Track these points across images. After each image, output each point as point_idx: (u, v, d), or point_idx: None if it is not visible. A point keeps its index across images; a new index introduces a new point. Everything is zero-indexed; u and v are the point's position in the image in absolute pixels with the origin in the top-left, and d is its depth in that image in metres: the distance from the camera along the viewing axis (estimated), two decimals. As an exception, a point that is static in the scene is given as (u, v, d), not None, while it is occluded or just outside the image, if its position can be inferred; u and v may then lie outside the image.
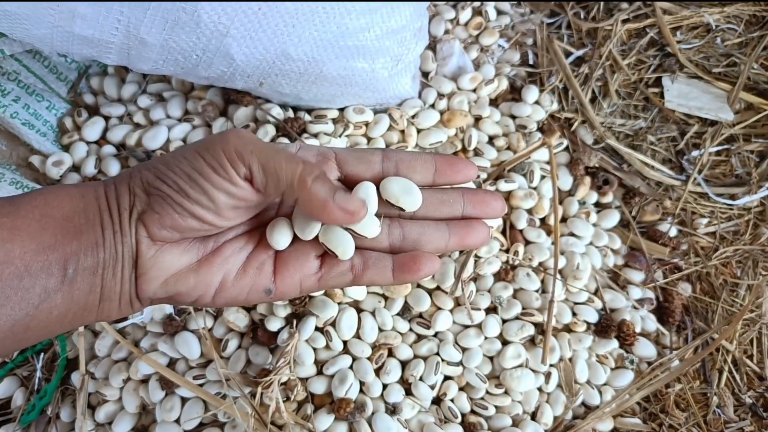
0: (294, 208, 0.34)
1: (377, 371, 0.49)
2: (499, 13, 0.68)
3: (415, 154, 0.36)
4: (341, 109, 0.58)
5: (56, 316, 0.29)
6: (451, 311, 0.51)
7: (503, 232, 0.55)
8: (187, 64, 0.49)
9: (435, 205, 0.35)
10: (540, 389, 0.51)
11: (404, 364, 0.50)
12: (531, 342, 0.52)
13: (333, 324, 0.49)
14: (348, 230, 0.33)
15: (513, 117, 0.61)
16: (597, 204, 0.61)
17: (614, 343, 0.53)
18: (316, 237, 0.33)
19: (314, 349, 0.49)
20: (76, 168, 0.59)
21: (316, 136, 0.55)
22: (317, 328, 0.49)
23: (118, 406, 0.50)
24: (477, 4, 0.66)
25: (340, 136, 0.56)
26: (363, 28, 0.50)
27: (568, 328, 0.53)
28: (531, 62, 0.67)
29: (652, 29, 0.68)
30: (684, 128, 0.64)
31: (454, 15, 0.65)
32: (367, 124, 0.58)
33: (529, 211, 0.56)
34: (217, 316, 0.50)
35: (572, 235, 0.57)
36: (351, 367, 0.49)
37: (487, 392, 0.50)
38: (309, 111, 0.58)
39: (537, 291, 0.53)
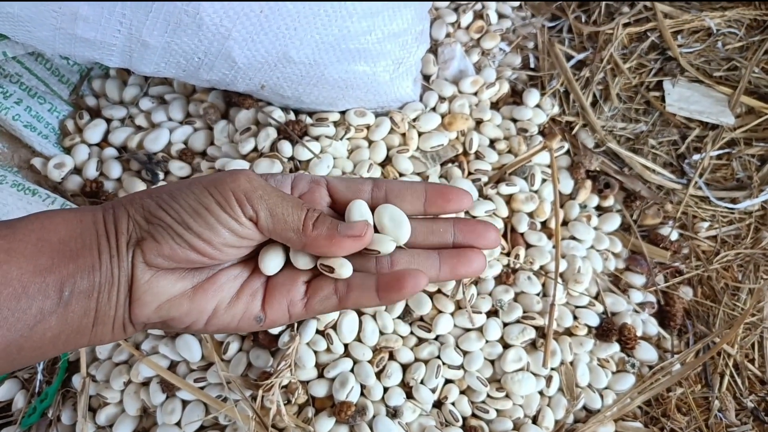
0: None
1: (378, 374, 0.49)
2: (501, 16, 0.68)
3: (406, 184, 0.36)
4: (342, 112, 0.58)
5: (49, 338, 0.29)
6: (452, 314, 0.51)
7: (504, 236, 0.55)
8: (189, 67, 0.49)
9: (424, 234, 0.35)
10: (541, 393, 0.51)
11: (405, 368, 0.50)
12: (532, 345, 0.52)
13: (334, 327, 0.49)
14: None
15: (514, 120, 0.61)
16: (598, 207, 0.61)
17: (615, 347, 0.53)
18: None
19: (315, 352, 0.48)
20: (77, 170, 0.59)
21: (317, 139, 0.55)
22: (318, 331, 0.49)
23: (119, 408, 0.50)
24: (478, 7, 0.66)
25: (341, 139, 0.56)
26: (365, 32, 0.50)
27: (569, 332, 0.53)
28: (532, 66, 0.67)
29: (653, 33, 0.68)
30: (685, 132, 0.64)
31: (455, 18, 0.65)
32: (368, 127, 0.58)
33: (530, 215, 0.56)
34: (218, 319, 0.50)
35: (573, 238, 0.57)
36: (352, 371, 0.49)
37: (488, 396, 0.50)
38: (310, 114, 0.58)
39: (538, 294, 0.53)
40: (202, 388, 0.48)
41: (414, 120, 0.58)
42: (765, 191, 0.61)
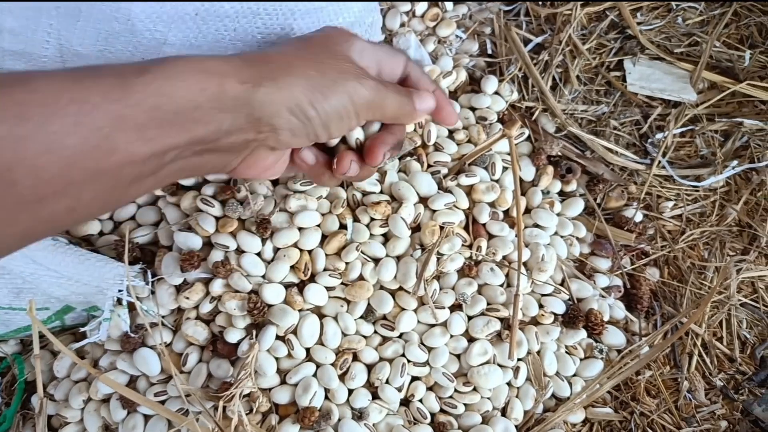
0: None
1: (342, 377, 0.48)
2: (456, 2, 0.66)
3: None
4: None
5: (140, 192, 0.32)
6: (415, 311, 0.50)
7: (466, 228, 0.54)
8: (128, 74, 0.47)
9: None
10: (509, 384, 0.50)
11: (370, 368, 0.49)
12: (498, 337, 0.51)
13: (294, 332, 0.48)
14: None
15: (473, 109, 0.60)
16: (561, 193, 0.60)
17: (583, 333, 0.53)
18: None
19: (276, 359, 0.48)
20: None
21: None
22: (278, 337, 0.48)
23: (80, 427, 0.49)
24: (433, -6, 0.65)
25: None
26: (309, 28, 0.49)
27: (535, 321, 0.53)
28: (490, 52, 0.65)
29: (612, 11, 0.67)
30: (647, 111, 0.64)
31: (410, 7, 0.64)
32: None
33: (492, 204, 0.55)
34: (176, 331, 0.49)
35: (536, 225, 0.56)
36: (315, 375, 0.48)
37: (456, 391, 0.50)
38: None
39: (502, 285, 0.52)
40: (162, 402, 0.47)
41: (370, 114, 0.57)
42: (729, 167, 0.60)
